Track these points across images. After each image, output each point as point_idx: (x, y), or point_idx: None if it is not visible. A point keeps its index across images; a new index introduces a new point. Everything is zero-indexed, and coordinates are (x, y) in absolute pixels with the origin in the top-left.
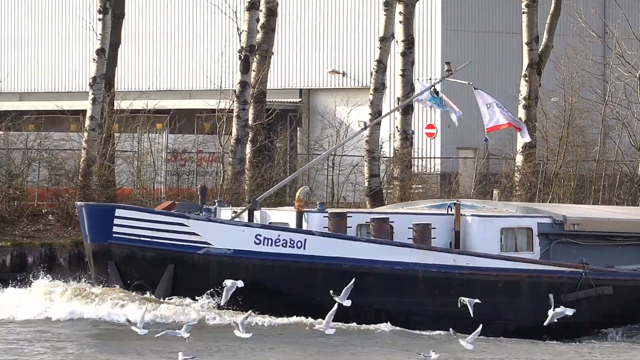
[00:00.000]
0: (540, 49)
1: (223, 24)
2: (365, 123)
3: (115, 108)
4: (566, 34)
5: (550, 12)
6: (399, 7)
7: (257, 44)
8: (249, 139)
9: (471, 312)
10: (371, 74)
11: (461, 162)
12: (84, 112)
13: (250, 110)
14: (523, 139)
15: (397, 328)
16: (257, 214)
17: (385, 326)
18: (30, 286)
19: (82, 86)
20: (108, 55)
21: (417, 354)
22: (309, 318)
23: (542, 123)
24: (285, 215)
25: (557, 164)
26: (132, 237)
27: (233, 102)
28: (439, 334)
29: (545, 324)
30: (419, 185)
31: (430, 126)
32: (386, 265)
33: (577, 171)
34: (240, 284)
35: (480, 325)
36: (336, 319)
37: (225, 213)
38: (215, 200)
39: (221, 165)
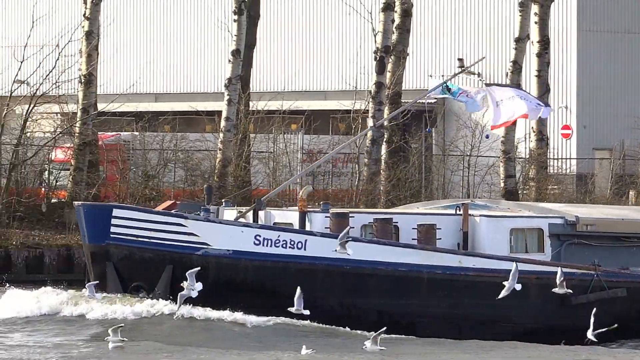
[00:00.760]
0: None
1: (358, 25)
2: (374, 120)
3: (250, 109)
4: None
5: None
6: (534, 8)
7: (392, 44)
8: (385, 139)
9: None
10: (506, 75)
11: (597, 162)
12: (219, 113)
13: (386, 111)
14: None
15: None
16: (261, 214)
17: None
18: None
19: (217, 87)
20: (243, 56)
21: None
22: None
23: None
24: (290, 215)
25: None
26: (130, 238)
27: (368, 102)
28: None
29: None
30: (555, 186)
31: (565, 127)
32: (389, 266)
33: None
34: (198, 287)
35: (384, 328)
36: (338, 324)
37: (231, 213)
38: (222, 200)
39: (356, 166)
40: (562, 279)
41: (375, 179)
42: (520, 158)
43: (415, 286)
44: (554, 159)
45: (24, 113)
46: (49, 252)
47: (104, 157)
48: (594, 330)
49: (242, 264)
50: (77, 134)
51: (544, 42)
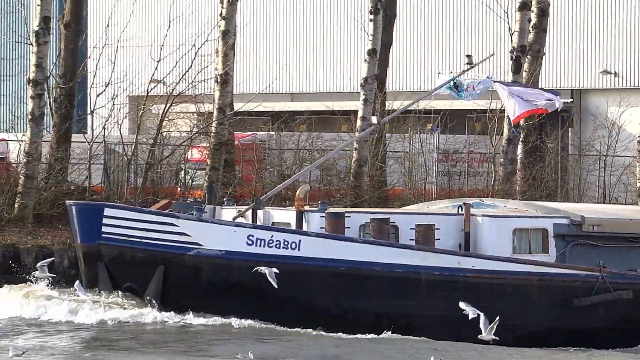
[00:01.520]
0: None
1: (493, 24)
2: (377, 118)
3: (386, 108)
4: None
5: None
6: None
7: (529, 44)
8: (520, 139)
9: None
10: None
11: None
12: (354, 112)
13: None
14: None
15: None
16: (260, 213)
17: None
18: None
19: (353, 87)
20: (379, 55)
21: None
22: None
23: None
24: (288, 215)
25: None
26: (122, 238)
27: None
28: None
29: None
30: None
31: None
32: (385, 267)
33: None
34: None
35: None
36: (336, 327)
37: (230, 212)
38: (224, 200)
39: (492, 165)
40: (486, 326)
41: (511, 179)
42: None
43: (413, 288)
44: None
45: (161, 113)
46: None
47: (240, 156)
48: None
49: (235, 264)
50: (213, 134)
51: None
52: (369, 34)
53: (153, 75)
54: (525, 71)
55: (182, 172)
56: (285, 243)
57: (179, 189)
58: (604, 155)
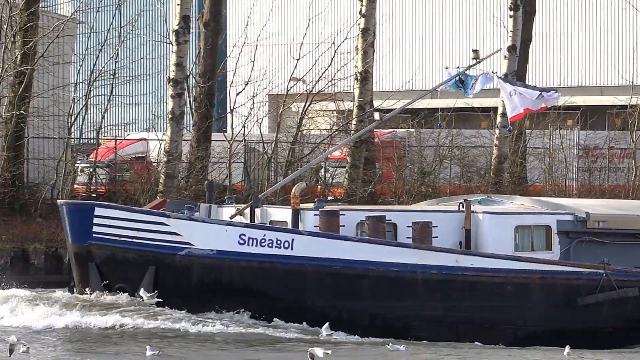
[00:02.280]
0: None
1: (634, 19)
2: (380, 114)
3: None
4: None
5: None
6: None
7: None
8: None
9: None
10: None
11: None
12: (494, 109)
13: None
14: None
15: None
16: (258, 211)
17: None
18: None
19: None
20: (519, 51)
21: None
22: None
23: None
24: (286, 213)
25: None
26: (113, 238)
27: None
28: None
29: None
30: None
31: None
32: (381, 266)
33: None
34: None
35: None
36: (331, 327)
37: (230, 211)
38: (225, 197)
39: (632, 161)
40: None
41: None
42: None
43: (410, 287)
44: None
45: (300, 111)
46: None
47: (380, 154)
48: None
49: (227, 264)
50: (353, 132)
51: None
52: (509, 30)
53: (293, 73)
54: None
55: (323, 169)
56: (278, 242)
57: (319, 187)
58: None
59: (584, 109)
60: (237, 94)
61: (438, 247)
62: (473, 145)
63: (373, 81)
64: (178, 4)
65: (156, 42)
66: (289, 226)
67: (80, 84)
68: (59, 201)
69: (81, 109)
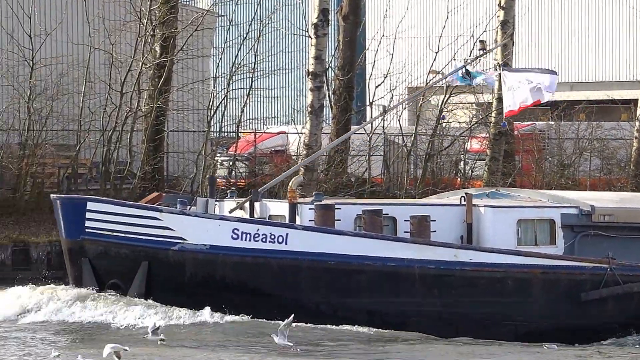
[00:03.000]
0: None
1: None
2: (384, 107)
3: None
4: None
5: None
6: None
7: None
8: None
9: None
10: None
11: None
12: (634, 101)
13: None
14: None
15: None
16: (257, 205)
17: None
18: None
19: (634, 75)
20: None
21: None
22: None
23: None
24: (285, 207)
25: None
26: (106, 233)
27: None
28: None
29: None
30: None
31: None
32: (377, 261)
33: None
34: None
35: (292, 315)
36: (325, 324)
37: (231, 205)
38: (227, 192)
39: None
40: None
41: None
42: None
43: (407, 283)
44: None
45: (440, 104)
46: None
47: (519, 146)
48: None
49: (220, 259)
50: (492, 124)
51: None
52: None
53: (432, 66)
54: None
55: (462, 162)
56: (272, 237)
57: (458, 179)
58: None
59: None
60: (376, 87)
61: (436, 242)
62: (613, 137)
63: None
64: None
65: (295, 36)
66: (287, 220)
67: (220, 77)
68: (52, 195)
69: (220, 102)
